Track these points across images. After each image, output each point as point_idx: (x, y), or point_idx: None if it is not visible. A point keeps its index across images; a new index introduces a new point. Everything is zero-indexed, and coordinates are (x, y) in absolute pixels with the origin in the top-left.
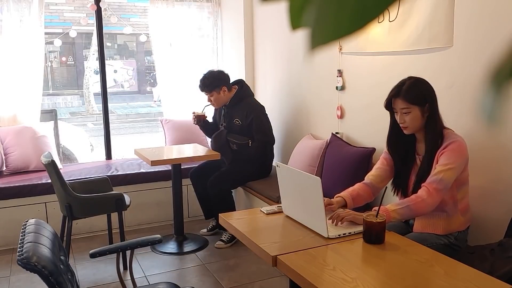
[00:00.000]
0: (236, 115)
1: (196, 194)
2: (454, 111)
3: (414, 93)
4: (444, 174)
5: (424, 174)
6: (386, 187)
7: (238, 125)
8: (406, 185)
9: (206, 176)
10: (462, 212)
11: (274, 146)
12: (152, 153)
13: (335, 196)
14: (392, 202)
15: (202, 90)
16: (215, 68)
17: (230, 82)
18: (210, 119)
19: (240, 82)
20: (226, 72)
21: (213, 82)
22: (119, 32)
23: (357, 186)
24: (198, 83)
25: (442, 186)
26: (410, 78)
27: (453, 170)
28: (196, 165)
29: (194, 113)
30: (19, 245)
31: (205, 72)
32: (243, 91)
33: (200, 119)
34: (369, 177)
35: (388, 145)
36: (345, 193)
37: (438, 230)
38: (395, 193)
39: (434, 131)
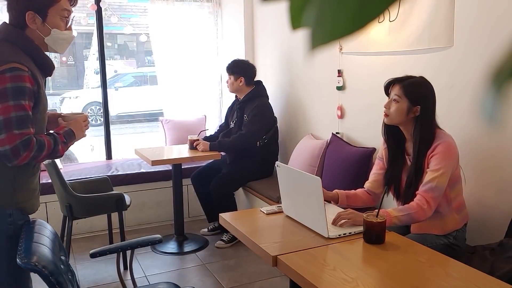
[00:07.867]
0: (246, 111)
1: (198, 197)
2: (454, 111)
3: (413, 89)
4: (438, 181)
5: (414, 175)
6: (386, 188)
7: (246, 121)
8: (398, 183)
9: (207, 179)
10: (457, 210)
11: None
12: (153, 153)
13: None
14: (393, 207)
15: (226, 70)
16: (250, 60)
17: (254, 79)
18: (212, 131)
19: (258, 82)
20: (254, 68)
21: (234, 67)
22: (119, 32)
23: (358, 190)
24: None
25: (438, 193)
26: (421, 77)
27: (445, 174)
28: (197, 168)
29: (189, 139)
30: (19, 245)
31: (237, 58)
32: (258, 90)
33: (193, 143)
34: (367, 185)
35: (383, 130)
36: (341, 191)
37: (435, 230)
38: (387, 192)
39: (422, 134)
